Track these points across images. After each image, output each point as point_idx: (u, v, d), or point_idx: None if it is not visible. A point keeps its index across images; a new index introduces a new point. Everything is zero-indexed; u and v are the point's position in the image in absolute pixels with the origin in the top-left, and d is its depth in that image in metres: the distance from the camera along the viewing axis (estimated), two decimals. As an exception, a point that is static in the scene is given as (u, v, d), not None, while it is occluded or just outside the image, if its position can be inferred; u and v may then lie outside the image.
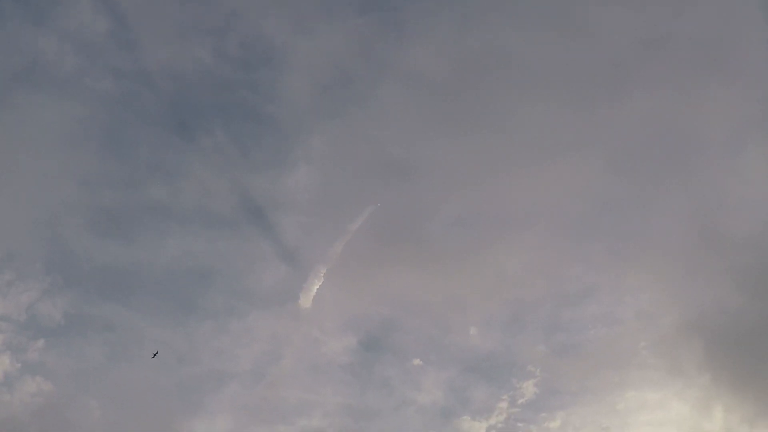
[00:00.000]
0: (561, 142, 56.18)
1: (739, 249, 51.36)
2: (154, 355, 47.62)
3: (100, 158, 54.15)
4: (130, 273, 52.50)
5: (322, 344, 52.34)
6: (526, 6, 57.42)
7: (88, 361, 49.20)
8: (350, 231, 52.22)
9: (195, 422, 48.62)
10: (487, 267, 53.93)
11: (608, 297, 53.58)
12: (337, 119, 56.27)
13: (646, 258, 54.04)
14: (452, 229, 55.35)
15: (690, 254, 52.97)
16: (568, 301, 54.06)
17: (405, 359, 52.11)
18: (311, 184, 55.66)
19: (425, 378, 51.38)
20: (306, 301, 51.20)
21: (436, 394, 50.87)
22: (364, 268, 53.37)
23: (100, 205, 53.43)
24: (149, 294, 52.30)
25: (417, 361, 51.79)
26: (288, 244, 54.13)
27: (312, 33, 56.05)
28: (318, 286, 51.31)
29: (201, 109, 56.06)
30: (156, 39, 55.24)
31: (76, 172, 53.22)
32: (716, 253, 52.19)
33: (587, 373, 50.92)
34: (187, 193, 54.60)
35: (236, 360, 51.13)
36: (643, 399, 49.90)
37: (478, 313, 53.47)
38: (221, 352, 51.34)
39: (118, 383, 48.98)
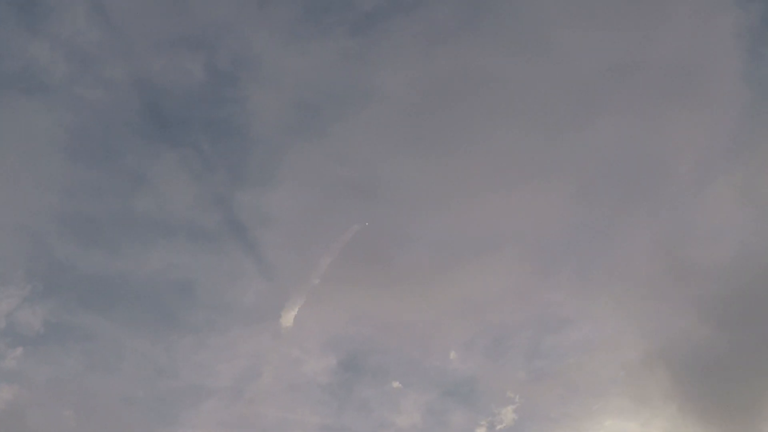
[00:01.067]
0: (529, 167, 56.00)
1: (705, 280, 51.68)
2: None
3: (87, 167, 53.86)
4: (112, 283, 52.15)
5: (302, 363, 52.22)
6: (496, 30, 57.35)
7: (65, 370, 48.85)
8: (333, 250, 52.46)
9: (172, 436, 48.73)
10: (456, 290, 53.68)
11: (580, 324, 53.59)
12: (314, 139, 56.20)
13: (612, 286, 53.95)
14: (424, 251, 55.27)
15: (656, 283, 53.09)
16: (540, 327, 54.18)
17: (384, 381, 52.10)
18: (296, 203, 55.57)
19: (404, 400, 51.37)
20: (287, 319, 51.27)
21: (414, 417, 50.90)
22: (346, 289, 53.35)
23: (84, 214, 53.04)
24: (130, 305, 51.95)
25: (396, 384, 51.83)
26: (270, 262, 54.09)
27: (293, 51, 55.96)
28: (300, 305, 51.51)
29: (189, 122, 55.87)
30: (148, 50, 55.07)
31: (62, 179, 52.89)
32: (683, 282, 52.37)
33: (566, 400, 51.07)
34: (172, 206, 54.39)
35: (215, 375, 50.84)
36: (623, 428, 50.07)
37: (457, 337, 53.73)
38: (201, 366, 51.02)
39: (96, 394, 48.73)
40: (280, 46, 56.44)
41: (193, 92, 55.28)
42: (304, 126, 56.45)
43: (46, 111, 53.08)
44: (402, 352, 52.99)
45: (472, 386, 52.09)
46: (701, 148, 56.16)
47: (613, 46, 56.99)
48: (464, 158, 56.06)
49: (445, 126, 56.51)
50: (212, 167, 55.53)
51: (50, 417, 46.93)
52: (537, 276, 55.33)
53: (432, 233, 55.77)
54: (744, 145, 55.57)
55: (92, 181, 53.53)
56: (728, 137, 55.82)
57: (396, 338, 53.20)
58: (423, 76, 56.97)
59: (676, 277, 52.29)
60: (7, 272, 49.33)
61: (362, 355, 52.89)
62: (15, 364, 47.34)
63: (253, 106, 55.93)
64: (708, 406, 48.39)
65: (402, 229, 55.27)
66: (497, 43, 57.28)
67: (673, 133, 56.32)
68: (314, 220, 55.41)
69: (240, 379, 50.69)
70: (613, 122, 56.95)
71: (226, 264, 53.89)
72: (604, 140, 56.63)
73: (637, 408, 49.80)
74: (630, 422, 49.87)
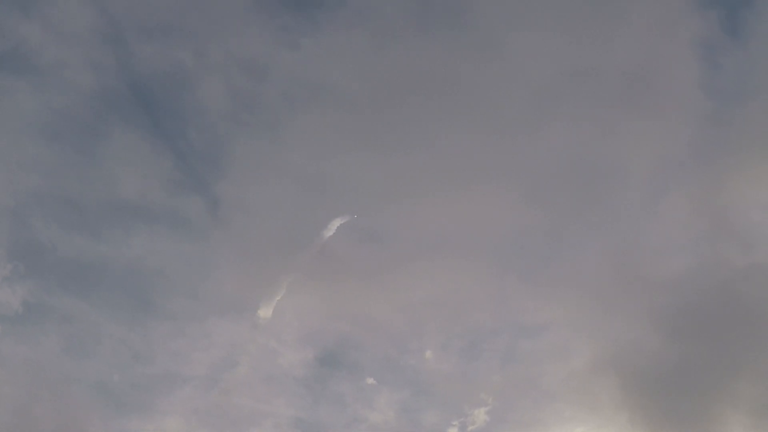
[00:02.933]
0: (478, 169, 55.31)
1: (657, 291, 51.29)
2: None
3: (73, 151, 53.99)
4: (92, 267, 52.36)
5: (278, 355, 52.39)
6: (450, 30, 56.47)
7: (42, 351, 48.93)
8: (315, 244, 52.54)
9: (145, 421, 48.69)
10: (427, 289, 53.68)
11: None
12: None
13: (560, 292, 53.52)
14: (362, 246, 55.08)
15: (606, 292, 52.57)
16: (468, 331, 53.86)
17: (359, 377, 52.42)
18: (280, 194, 55.53)
19: (378, 397, 51.69)
20: (266, 311, 51.44)
21: (388, 413, 51.22)
22: (325, 283, 53.58)
23: (68, 197, 53.19)
24: (110, 290, 52.22)
25: (371, 380, 52.18)
26: (252, 253, 54.08)
27: (243, 43, 56.17)
28: (279, 298, 51.66)
29: (177, 111, 55.89)
30: (139, 37, 55.05)
31: (48, 162, 52.98)
32: (634, 293, 51.93)
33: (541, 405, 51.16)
34: (156, 193, 54.50)
35: (191, 364, 51.07)
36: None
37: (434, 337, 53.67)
38: (177, 354, 51.30)
39: (71, 376, 49.07)
40: (231, 37, 56.14)
41: (182, 81, 55.68)
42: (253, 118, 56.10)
43: (34, 93, 53.22)
44: (378, 349, 53.31)
45: (446, 386, 52.44)
46: (657, 158, 55.34)
47: (569, 50, 56.06)
48: (414, 157, 55.29)
49: (397, 124, 55.74)
50: (195, 155, 55.77)
51: (26, 397, 47.21)
52: (479, 281, 54.40)
53: (374, 230, 55.53)
54: (700, 156, 55.19)
55: (77, 165, 53.86)
56: (684, 147, 55.17)
57: (373, 335, 53.50)
58: (374, 72, 56.38)
59: (627, 287, 51.86)
60: (-12, 251, 49.57)
61: (339, 350, 53.35)
62: (-8, 342, 47.66)
63: (244, 97, 56.18)
64: (658, 417, 48.27)
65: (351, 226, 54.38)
66: (451, 43, 56.34)
67: (629, 141, 55.48)
68: (302, 213, 55.44)
69: (216, 368, 50.97)
70: (567, 127, 55.96)
71: (208, 253, 54.12)
72: (557, 145, 55.70)
73: (586, 416, 49.84)
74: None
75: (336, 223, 52.45)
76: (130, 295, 52.32)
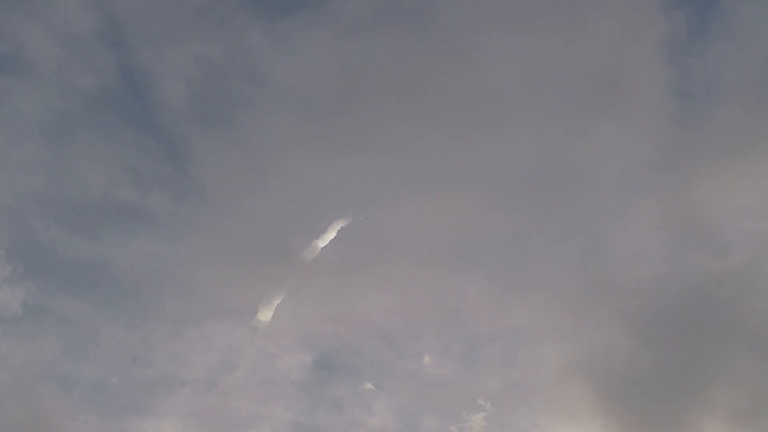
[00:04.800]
0: (440, 172, 54.31)
1: (628, 295, 50.67)
2: None
3: (74, 153, 54.09)
4: (92, 269, 52.47)
5: (276, 359, 52.44)
6: (412, 30, 55.48)
7: (41, 352, 49.18)
8: (314, 248, 52.55)
9: (143, 423, 48.83)
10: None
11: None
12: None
13: (528, 297, 52.81)
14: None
15: (576, 297, 51.84)
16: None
17: (358, 382, 52.38)
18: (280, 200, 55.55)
19: (376, 402, 51.64)
20: (265, 314, 51.56)
21: (386, 418, 51.15)
22: (325, 287, 53.56)
23: (69, 199, 53.33)
24: (109, 292, 52.41)
25: (369, 385, 52.20)
26: (251, 255, 54.13)
27: (199, 39, 55.62)
28: (278, 301, 51.75)
29: (178, 114, 55.95)
30: (142, 41, 55.16)
31: (47, 164, 53.13)
32: (605, 297, 51.30)
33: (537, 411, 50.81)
34: (156, 197, 54.58)
35: (190, 366, 51.22)
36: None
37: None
38: (176, 356, 51.47)
39: (70, 377, 49.17)
40: (187, 32, 55.37)
41: (184, 85, 55.68)
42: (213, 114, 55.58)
43: (36, 95, 53.39)
44: (377, 354, 53.27)
45: (444, 392, 52.32)
46: (625, 161, 54.34)
47: (535, 52, 54.88)
48: (375, 159, 54.44)
49: (359, 126, 54.97)
50: (198, 160, 55.83)
51: (24, 398, 47.33)
52: (441, 284, 53.72)
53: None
54: (670, 159, 54.20)
55: (78, 167, 53.86)
56: (654, 150, 54.14)
57: (371, 340, 53.54)
58: (336, 73, 55.34)
59: (598, 291, 51.10)
60: (-12, 252, 49.72)
61: (337, 354, 53.25)
62: (-9, 343, 47.80)
63: (244, 102, 56.02)
64: (631, 422, 47.65)
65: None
66: (415, 44, 55.32)
67: (597, 144, 54.37)
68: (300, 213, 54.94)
69: (214, 371, 51.12)
70: (534, 130, 54.78)
71: (207, 256, 54.14)
72: (524, 148, 54.68)
73: (560, 422, 49.31)
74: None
75: (335, 226, 52.57)
76: (129, 297, 52.47)
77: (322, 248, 52.35)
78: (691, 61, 55.59)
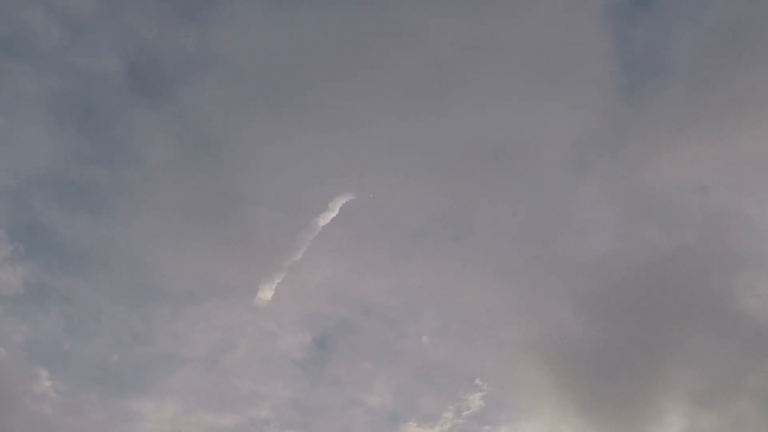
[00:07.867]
0: (379, 146, 53.45)
1: (580, 273, 50.04)
2: None
3: (75, 134, 54.25)
4: (93, 249, 52.69)
5: (277, 338, 52.81)
6: (350, 3, 54.25)
7: (43, 331, 49.48)
8: (315, 227, 52.67)
9: (144, 401, 49.31)
10: None
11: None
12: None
13: (475, 274, 52.07)
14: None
15: (526, 274, 51.28)
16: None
17: (357, 361, 52.72)
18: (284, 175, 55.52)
19: (375, 381, 52.00)
20: (265, 293, 51.80)
21: (385, 396, 51.48)
22: (325, 266, 53.86)
23: (70, 179, 53.56)
24: (110, 271, 52.51)
25: (368, 364, 52.59)
26: (252, 235, 54.44)
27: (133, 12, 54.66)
28: (279, 280, 52.02)
29: (180, 96, 55.99)
30: (142, 22, 55.16)
31: (49, 144, 53.21)
32: (556, 275, 50.48)
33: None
34: (157, 178, 54.74)
35: (191, 345, 51.66)
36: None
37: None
38: (176, 335, 51.84)
39: (71, 356, 49.58)
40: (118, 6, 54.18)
41: (185, 66, 55.79)
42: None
43: (37, 76, 53.44)
44: (376, 333, 53.68)
45: (442, 371, 52.45)
46: (572, 135, 53.04)
47: (476, 24, 53.32)
48: (314, 134, 53.77)
49: (297, 100, 53.88)
50: (200, 141, 55.99)
51: (26, 377, 47.76)
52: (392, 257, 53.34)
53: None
54: (618, 133, 53.24)
55: (79, 148, 54.16)
56: (600, 124, 53.07)
57: (370, 320, 53.85)
58: (274, 47, 54.33)
59: (549, 269, 50.18)
60: (-11, 232, 49.98)
61: (337, 333, 53.64)
62: (-6, 322, 48.08)
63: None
64: (586, 400, 47.16)
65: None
66: (352, 17, 53.88)
67: (543, 118, 52.82)
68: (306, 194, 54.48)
69: (215, 350, 51.49)
70: (476, 103, 53.35)
71: (207, 235, 54.35)
72: (464, 122, 53.30)
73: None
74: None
75: (337, 205, 52.57)
76: (130, 277, 52.69)
77: (321, 228, 52.77)
78: (635, 31, 54.67)
